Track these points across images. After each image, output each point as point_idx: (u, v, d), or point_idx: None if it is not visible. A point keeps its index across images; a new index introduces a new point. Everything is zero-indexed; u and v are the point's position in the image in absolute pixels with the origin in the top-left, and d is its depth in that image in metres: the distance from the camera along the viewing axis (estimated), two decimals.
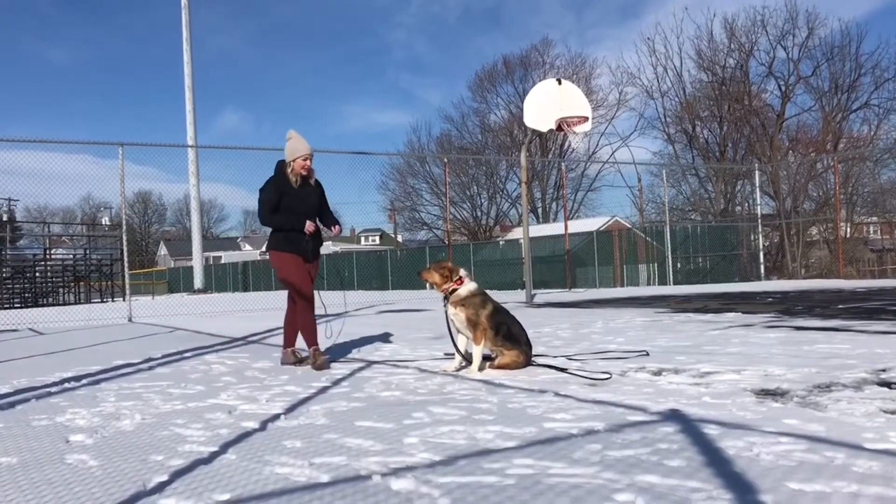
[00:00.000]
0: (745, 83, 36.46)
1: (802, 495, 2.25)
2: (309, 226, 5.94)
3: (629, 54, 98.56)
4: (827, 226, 27.78)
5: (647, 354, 5.77)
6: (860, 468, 2.50)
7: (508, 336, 5.33)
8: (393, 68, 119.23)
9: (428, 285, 5.83)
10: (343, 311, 5.74)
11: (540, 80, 17.72)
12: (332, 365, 5.94)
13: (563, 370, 5.07)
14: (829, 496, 2.23)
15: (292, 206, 5.93)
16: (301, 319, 6.07)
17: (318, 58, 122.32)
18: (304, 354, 6.14)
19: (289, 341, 6.21)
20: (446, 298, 5.39)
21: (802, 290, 16.17)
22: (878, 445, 2.78)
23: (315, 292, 6.13)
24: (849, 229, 28.93)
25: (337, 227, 6.15)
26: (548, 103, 14.11)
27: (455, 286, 5.35)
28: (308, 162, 5.98)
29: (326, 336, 6.41)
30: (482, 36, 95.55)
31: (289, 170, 5.96)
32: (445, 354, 6.22)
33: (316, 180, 6.16)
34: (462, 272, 5.44)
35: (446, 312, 5.43)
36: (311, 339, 6.00)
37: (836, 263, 23.24)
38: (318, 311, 6.16)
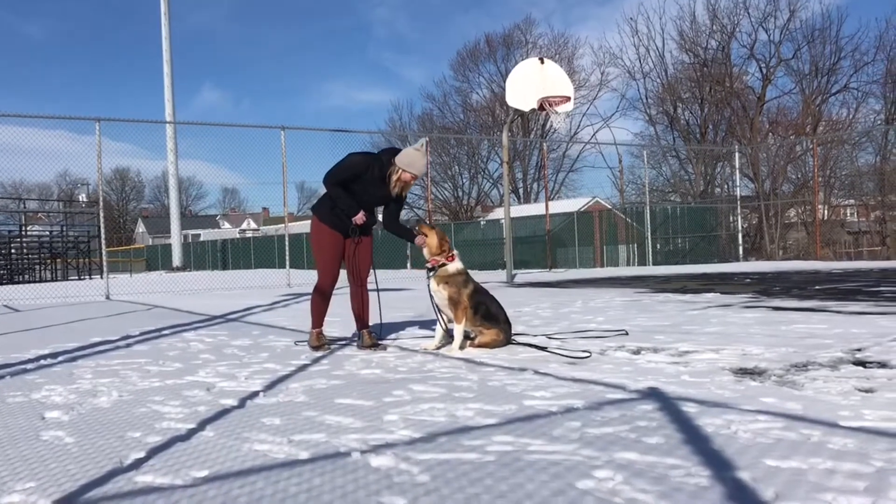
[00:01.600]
0: (727, 65, 36.62)
1: (779, 472, 2.26)
2: (358, 217, 5.47)
3: (612, 35, 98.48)
4: (805, 208, 28.05)
5: (627, 334, 5.79)
6: (836, 445, 2.52)
7: (487, 315, 5.32)
8: (374, 46, 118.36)
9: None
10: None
11: (522, 60, 17.66)
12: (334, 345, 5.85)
13: (542, 349, 5.08)
14: (805, 472, 2.25)
15: (359, 193, 5.48)
16: (353, 301, 5.74)
17: (299, 35, 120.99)
18: (326, 340, 5.80)
19: (315, 322, 5.75)
20: (432, 270, 5.35)
21: (780, 271, 16.33)
22: (853, 423, 2.81)
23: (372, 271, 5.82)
24: (826, 211, 29.20)
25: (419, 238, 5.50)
26: (530, 82, 14.07)
27: (445, 261, 5.33)
28: (412, 182, 5.52)
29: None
30: (464, 14, 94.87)
31: (393, 169, 5.43)
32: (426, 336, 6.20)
33: (404, 195, 5.68)
34: (454, 250, 5.42)
35: (429, 286, 5.40)
36: (363, 321, 5.70)
37: (814, 245, 23.50)
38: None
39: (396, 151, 5.47)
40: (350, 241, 5.64)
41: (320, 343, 5.65)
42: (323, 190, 5.61)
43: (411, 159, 5.41)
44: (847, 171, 30.53)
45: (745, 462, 2.36)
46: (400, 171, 5.41)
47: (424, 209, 43.13)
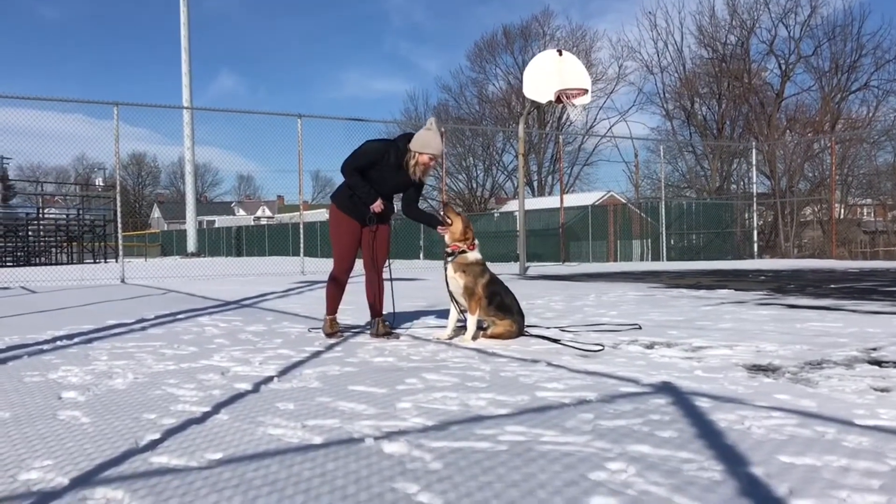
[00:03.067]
0: (746, 61, 36.29)
1: (793, 468, 2.26)
2: (377, 205, 5.47)
3: (630, 28, 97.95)
4: (821, 206, 27.88)
5: (640, 328, 5.78)
6: (850, 443, 2.51)
7: (501, 306, 5.33)
8: (391, 35, 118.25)
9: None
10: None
11: (540, 52, 17.59)
12: (347, 333, 5.91)
13: (555, 341, 5.08)
14: (819, 469, 2.24)
15: (376, 180, 5.47)
16: (368, 288, 5.76)
17: (316, 23, 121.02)
18: (339, 327, 5.83)
19: (330, 307, 5.74)
20: (451, 256, 5.34)
21: (795, 269, 16.24)
22: (869, 422, 2.80)
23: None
24: (843, 210, 29.00)
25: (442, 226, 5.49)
26: (548, 74, 14.02)
27: (466, 248, 5.32)
28: (432, 162, 5.44)
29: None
30: (482, 5, 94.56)
31: (412, 160, 5.40)
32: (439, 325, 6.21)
33: (423, 181, 5.64)
34: (476, 240, 5.42)
35: (445, 272, 5.40)
36: (377, 309, 5.72)
37: (829, 244, 23.33)
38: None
39: (412, 137, 5.47)
40: (367, 229, 5.64)
41: (333, 330, 5.67)
42: (340, 179, 5.62)
43: (425, 140, 5.38)
44: (865, 169, 30.30)
45: (758, 458, 2.36)
46: (417, 155, 5.38)
47: (438, 200, 43.14)
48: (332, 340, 5.43)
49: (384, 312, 5.75)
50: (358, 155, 5.45)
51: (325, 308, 5.77)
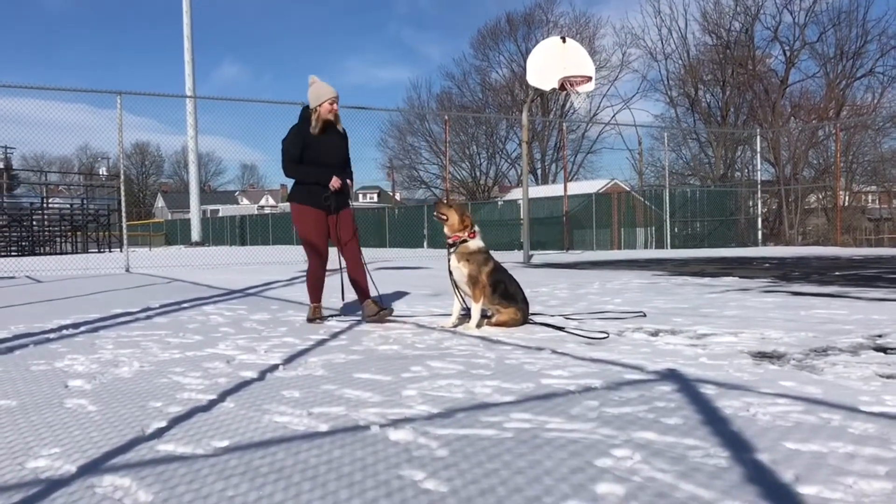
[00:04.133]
0: (750, 47, 36.11)
1: (799, 455, 2.26)
2: (335, 181, 5.65)
3: (634, 15, 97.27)
4: (826, 193, 27.77)
5: (645, 315, 5.78)
6: (856, 430, 2.51)
7: (505, 294, 5.32)
8: (395, 22, 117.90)
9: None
10: (340, 268, 5.81)
11: (543, 39, 17.51)
12: (331, 319, 5.95)
13: (560, 328, 5.08)
14: (825, 456, 2.24)
15: (316, 158, 5.69)
16: (351, 274, 5.90)
17: (320, 9, 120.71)
18: (328, 313, 6.11)
19: (313, 297, 5.92)
20: (453, 247, 5.34)
21: (799, 256, 16.20)
22: (874, 408, 2.80)
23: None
24: (847, 198, 28.89)
25: (348, 181, 5.84)
26: (551, 62, 13.97)
27: (467, 237, 5.31)
28: (335, 105, 5.70)
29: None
30: None
31: (314, 116, 5.68)
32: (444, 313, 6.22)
33: (343, 128, 5.90)
34: (476, 227, 5.40)
35: (449, 262, 5.40)
36: (363, 293, 5.88)
37: (834, 231, 23.27)
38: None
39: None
40: (332, 217, 5.79)
41: (315, 315, 5.82)
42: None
43: (316, 93, 5.67)
44: (870, 156, 30.16)
45: (764, 444, 2.36)
46: (318, 109, 5.67)
47: (442, 188, 43.09)
48: (316, 324, 5.47)
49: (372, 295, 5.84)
50: (286, 151, 5.69)
51: (316, 298, 5.90)
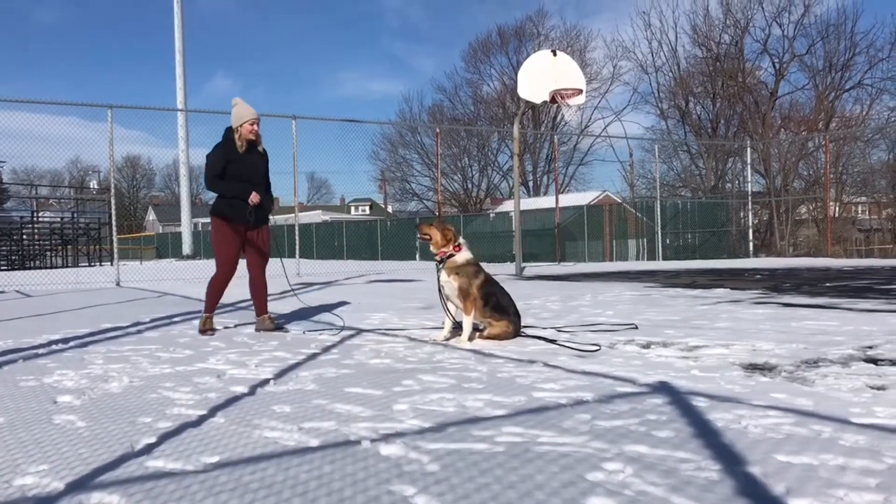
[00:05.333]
0: (740, 60, 36.33)
1: (790, 467, 2.26)
2: (254, 197, 5.96)
3: (625, 28, 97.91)
4: (816, 205, 27.88)
5: (636, 327, 5.78)
6: (847, 442, 2.51)
7: (497, 307, 5.31)
8: (387, 35, 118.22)
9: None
10: (332, 281, 5.77)
11: (534, 52, 17.59)
12: (323, 334, 5.94)
13: (552, 341, 5.08)
14: (816, 468, 2.24)
15: (239, 174, 6.00)
16: (254, 288, 6.34)
17: (311, 23, 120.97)
18: (218, 327, 6.38)
19: (209, 306, 6.21)
20: (441, 262, 5.34)
21: (790, 267, 16.26)
22: (865, 420, 2.80)
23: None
24: (837, 209, 29.02)
25: (270, 201, 6.30)
26: (542, 74, 14.02)
27: (453, 251, 5.31)
28: (255, 126, 6.06)
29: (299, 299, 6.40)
30: (478, 4, 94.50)
31: (236, 136, 6.02)
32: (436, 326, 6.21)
33: (263, 149, 6.25)
34: (461, 239, 5.40)
35: (438, 278, 5.39)
36: (208, 305, 6.23)
37: (825, 242, 23.36)
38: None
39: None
40: (250, 232, 6.17)
41: (206, 327, 6.07)
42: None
43: (238, 113, 6.05)
44: (859, 168, 30.32)
45: (755, 457, 2.36)
46: (240, 129, 6.02)
47: (434, 200, 43.13)
48: (329, 343, 5.43)
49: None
50: (209, 166, 6.02)
51: (211, 308, 6.18)
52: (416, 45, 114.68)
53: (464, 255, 5.31)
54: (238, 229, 6.07)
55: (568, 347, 4.81)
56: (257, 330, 6.17)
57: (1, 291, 12.75)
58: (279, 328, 6.20)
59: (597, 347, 4.76)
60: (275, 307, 8.39)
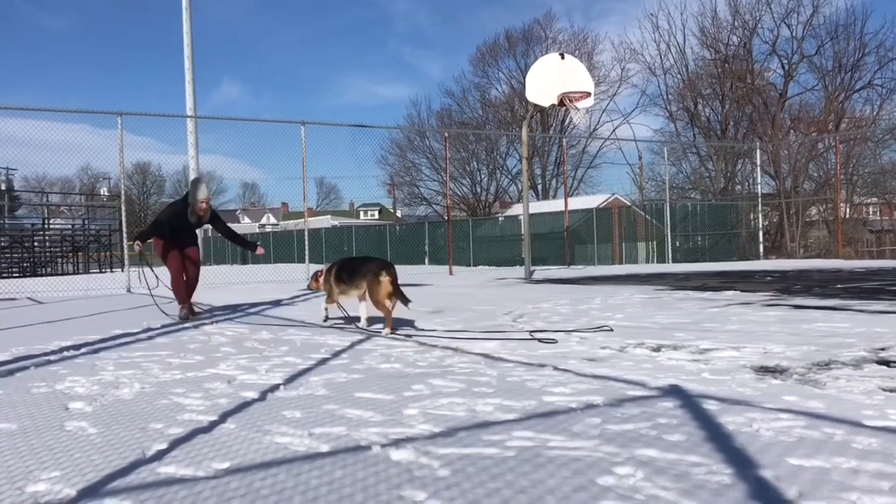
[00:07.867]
0: (749, 61, 36.22)
1: (802, 470, 2.25)
2: (136, 243, 7.83)
3: (632, 30, 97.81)
4: (826, 206, 27.76)
5: (612, 330, 5.79)
6: (860, 445, 2.50)
7: (350, 277, 6.44)
8: (394, 40, 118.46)
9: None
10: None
11: (542, 55, 17.59)
12: (333, 338, 5.94)
13: (552, 341, 5.08)
14: (829, 472, 2.23)
15: (177, 228, 7.96)
16: (189, 285, 8.33)
17: (319, 29, 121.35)
18: (197, 310, 8.46)
19: (181, 298, 8.11)
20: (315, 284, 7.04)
21: (801, 269, 16.18)
22: (878, 423, 2.78)
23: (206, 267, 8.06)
24: (848, 210, 28.88)
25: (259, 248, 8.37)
26: (550, 78, 14.02)
27: (318, 280, 6.89)
28: (205, 205, 7.88)
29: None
30: (485, 8, 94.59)
31: (190, 209, 7.87)
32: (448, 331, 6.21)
33: (211, 210, 8.05)
34: (320, 268, 7.00)
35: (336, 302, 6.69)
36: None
37: (835, 244, 23.24)
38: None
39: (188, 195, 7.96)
40: (185, 249, 8.17)
41: (189, 312, 8.03)
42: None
43: (194, 193, 7.90)
44: (870, 168, 30.17)
45: (767, 460, 2.35)
46: (194, 204, 7.86)
47: (443, 205, 43.15)
48: (338, 347, 5.45)
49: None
50: (160, 220, 8.05)
51: (183, 299, 8.11)
52: (423, 49, 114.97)
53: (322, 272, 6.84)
54: (176, 244, 8.08)
55: (539, 340, 4.82)
56: (180, 318, 7.89)
57: (13, 298, 12.82)
58: (196, 313, 8.22)
59: (554, 340, 5.18)
60: (281, 312, 8.41)
